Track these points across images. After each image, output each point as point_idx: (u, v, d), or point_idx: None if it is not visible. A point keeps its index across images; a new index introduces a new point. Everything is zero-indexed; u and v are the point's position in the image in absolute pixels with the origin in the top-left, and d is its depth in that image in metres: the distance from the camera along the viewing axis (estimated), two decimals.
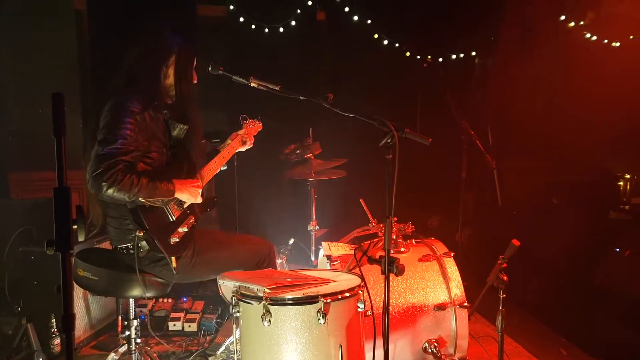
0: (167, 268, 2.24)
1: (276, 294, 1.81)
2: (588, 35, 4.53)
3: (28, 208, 3.43)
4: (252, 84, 2.09)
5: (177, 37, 2.34)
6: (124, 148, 2.05)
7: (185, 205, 2.32)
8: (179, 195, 2.23)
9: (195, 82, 2.40)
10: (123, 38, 3.96)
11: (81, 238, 1.24)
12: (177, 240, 2.22)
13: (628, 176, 4.59)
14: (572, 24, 4.50)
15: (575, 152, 4.42)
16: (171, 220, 2.24)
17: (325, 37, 4.61)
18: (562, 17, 4.50)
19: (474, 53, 4.81)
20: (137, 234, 2.13)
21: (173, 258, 2.19)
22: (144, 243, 2.17)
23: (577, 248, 3.85)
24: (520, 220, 4.40)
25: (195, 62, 2.38)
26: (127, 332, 2.35)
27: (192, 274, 2.34)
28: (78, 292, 2.94)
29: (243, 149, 2.73)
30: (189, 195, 2.27)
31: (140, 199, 2.07)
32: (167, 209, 2.23)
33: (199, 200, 2.33)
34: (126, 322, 2.35)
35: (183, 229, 2.26)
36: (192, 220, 2.34)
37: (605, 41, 4.53)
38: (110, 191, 1.99)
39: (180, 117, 2.32)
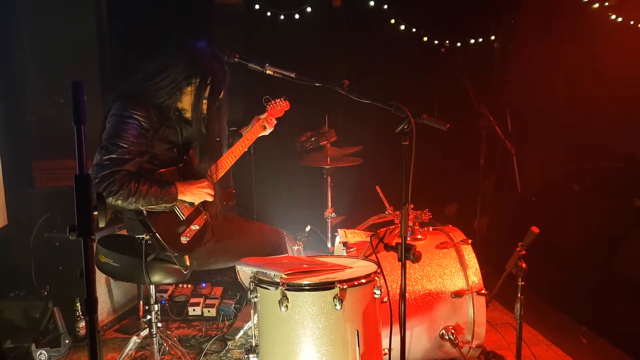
0: (181, 259, 2.26)
1: (293, 280, 1.82)
2: (613, 16, 4.38)
3: (52, 196, 3.51)
4: (268, 72, 2.09)
5: (215, 63, 2.24)
6: (121, 158, 2.03)
7: (196, 204, 2.30)
8: (182, 197, 2.19)
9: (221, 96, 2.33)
10: (141, 26, 4.01)
11: (102, 224, 1.26)
12: (188, 239, 2.22)
13: None
14: (597, 5, 4.36)
15: (598, 138, 4.31)
16: (181, 219, 2.23)
17: (341, 23, 4.57)
18: None
19: (493, 37, 4.70)
20: (143, 236, 2.14)
21: (186, 257, 2.20)
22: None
23: (599, 236, 3.78)
24: (540, 208, 4.33)
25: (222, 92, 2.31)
26: (149, 317, 2.40)
27: (210, 260, 2.37)
28: (100, 277, 3.01)
29: (265, 133, 2.66)
30: (193, 196, 2.24)
31: (140, 207, 2.07)
32: (176, 209, 2.22)
33: (209, 198, 2.28)
34: (147, 307, 2.40)
35: (195, 227, 2.26)
36: (205, 217, 2.32)
37: (632, 22, 4.38)
38: (113, 200, 2.02)
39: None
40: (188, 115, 2.28)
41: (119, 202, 2.03)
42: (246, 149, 2.56)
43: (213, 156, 2.37)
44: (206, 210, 2.35)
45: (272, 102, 2.69)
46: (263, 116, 2.66)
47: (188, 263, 2.22)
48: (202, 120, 2.28)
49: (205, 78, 2.21)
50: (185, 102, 2.26)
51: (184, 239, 2.21)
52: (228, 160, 2.48)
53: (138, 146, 2.09)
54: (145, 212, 2.12)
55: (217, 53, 2.25)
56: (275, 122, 2.68)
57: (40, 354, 2.68)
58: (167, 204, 2.16)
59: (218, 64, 2.25)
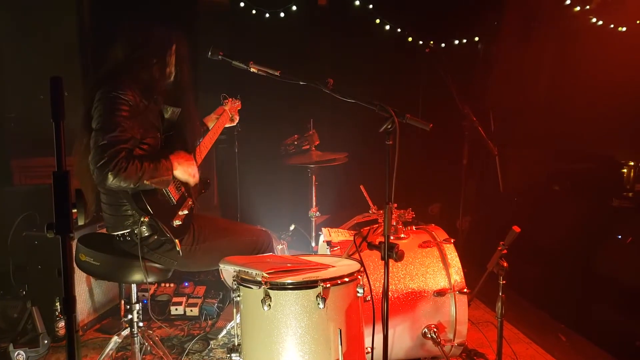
0: (166, 255, 2.26)
1: (275, 279, 1.82)
2: (594, 20, 4.47)
3: (31, 194, 3.46)
4: (252, 69, 2.08)
5: (175, 28, 2.33)
6: (123, 136, 2.04)
7: (182, 189, 2.34)
8: (177, 170, 2.20)
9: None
10: (124, 23, 3.96)
11: (81, 222, 1.25)
12: (180, 223, 2.24)
13: (632, 163, 4.55)
14: (578, 8, 4.44)
15: (579, 139, 4.39)
16: (172, 203, 2.26)
17: (327, 22, 4.58)
18: (568, 2, 4.44)
19: (477, 38, 4.76)
20: (142, 219, 2.14)
21: (177, 241, 2.21)
22: (142, 229, 2.18)
23: (579, 235, 3.85)
24: (522, 207, 4.39)
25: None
26: (130, 316, 2.37)
27: (192, 260, 2.35)
28: (81, 276, 2.97)
29: (232, 125, 2.82)
30: (184, 169, 2.24)
31: (145, 182, 2.07)
32: (167, 192, 2.24)
33: (191, 180, 2.31)
34: (128, 306, 2.38)
35: (183, 212, 2.29)
36: (190, 203, 2.36)
37: (612, 26, 4.47)
38: (115, 180, 1.98)
39: (173, 100, 2.33)
40: (171, 81, 2.34)
41: (128, 180, 2.00)
42: (215, 139, 2.67)
43: (193, 140, 2.43)
44: (190, 196, 2.38)
45: (228, 99, 2.84)
46: (227, 107, 2.76)
47: (179, 248, 2.21)
48: (181, 85, 2.36)
49: (172, 45, 2.30)
50: (169, 74, 2.33)
51: (176, 223, 2.22)
52: (203, 148, 2.55)
53: (131, 125, 2.10)
54: (142, 196, 2.13)
55: (175, 21, 2.32)
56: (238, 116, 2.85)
57: (18, 354, 2.63)
58: (166, 177, 2.14)
59: (178, 29, 2.33)
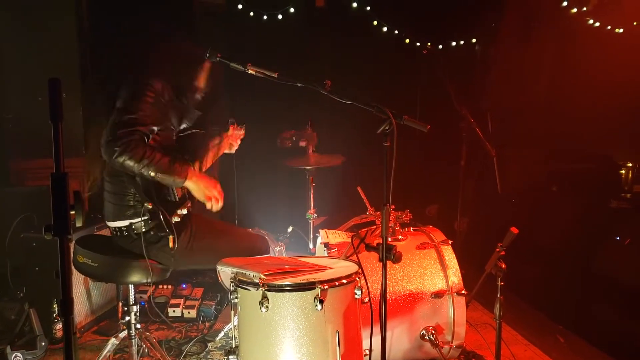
0: (163, 250, 2.26)
1: (272, 280, 1.82)
2: (591, 21, 4.48)
3: (29, 195, 3.45)
4: (250, 71, 2.08)
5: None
6: (142, 119, 2.09)
7: (185, 190, 2.35)
8: (188, 182, 2.23)
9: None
10: (122, 25, 3.96)
11: (79, 224, 1.24)
12: (178, 220, 2.27)
13: (630, 164, 4.56)
14: (575, 9, 4.45)
15: (577, 140, 4.40)
16: (174, 200, 2.29)
17: (324, 24, 4.58)
18: (565, 3, 4.45)
19: (474, 40, 4.77)
20: (144, 206, 2.17)
21: (171, 237, 2.22)
22: (138, 224, 2.20)
23: (577, 236, 3.85)
24: (520, 209, 4.39)
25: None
26: (127, 318, 2.37)
27: (189, 258, 2.36)
28: (79, 278, 2.97)
29: (230, 152, 2.79)
30: (197, 189, 2.27)
31: (151, 172, 2.10)
32: (172, 188, 2.28)
33: (208, 204, 2.33)
34: (126, 308, 2.38)
35: (182, 211, 2.30)
36: (189, 205, 2.37)
37: (609, 27, 4.48)
38: (121, 158, 2.02)
39: (197, 106, 2.42)
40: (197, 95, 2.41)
41: (132, 161, 2.04)
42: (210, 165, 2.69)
43: (202, 149, 2.52)
44: (190, 198, 2.39)
45: (232, 126, 2.81)
46: (229, 133, 2.75)
47: (172, 244, 2.21)
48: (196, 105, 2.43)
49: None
50: (196, 88, 2.41)
51: (175, 219, 2.25)
52: (207, 161, 2.60)
53: (152, 112, 2.16)
54: (150, 185, 2.17)
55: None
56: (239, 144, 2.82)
57: (16, 356, 2.62)
58: (176, 178, 2.17)
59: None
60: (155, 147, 2.17)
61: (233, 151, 2.81)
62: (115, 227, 2.29)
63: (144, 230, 2.22)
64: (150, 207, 2.18)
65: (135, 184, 2.19)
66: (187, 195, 2.37)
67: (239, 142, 2.80)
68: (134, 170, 2.10)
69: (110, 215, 2.29)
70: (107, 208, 2.31)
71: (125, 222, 2.24)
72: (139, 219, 2.21)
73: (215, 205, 2.30)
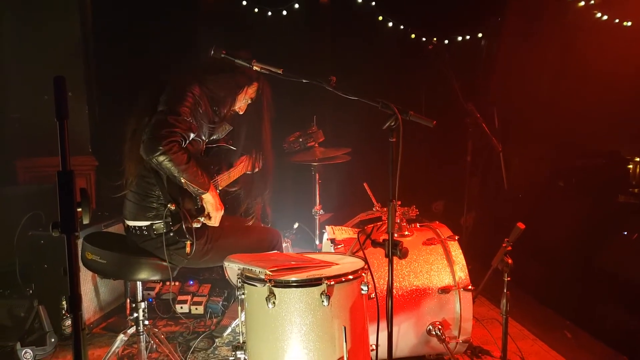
0: (178, 252, 2.27)
1: (278, 276, 1.82)
2: (598, 14, 4.43)
3: (37, 193, 3.47)
4: (255, 67, 2.08)
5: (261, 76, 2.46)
6: (184, 123, 2.13)
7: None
8: (206, 196, 2.27)
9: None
10: (126, 22, 3.97)
11: (86, 221, 1.25)
12: (198, 226, 2.28)
13: (638, 159, 4.52)
14: (582, 3, 4.41)
15: (584, 135, 4.37)
16: (196, 206, 2.30)
17: (329, 19, 4.56)
18: None
19: (480, 35, 4.73)
20: (169, 206, 2.18)
21: (188, 242, 2.23)
22: (158, 225, 2.21)
23: (584, 232, 3.83)
24: (526, 204, 4.37)
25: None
26: (135, 315, 2.39)
27: (203, 260, 2.38)
28: (87, 275, 2.99)
29: (249, 172, 2.79)
30: (209, 204, 2.31)
31: (182, 178, 2.13)
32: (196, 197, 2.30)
33: (212, 222, 2.36)
34: (134, 305, 2.39)
35: (202, 218, 2.32)
36: (206, 214, 2.37)
37: (617, 21, 4.43)
38: (162, 157, 2.05)
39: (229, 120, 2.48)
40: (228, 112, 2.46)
41: (172, 163, 2.07)
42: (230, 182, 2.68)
43: (225, 165, 2.55)
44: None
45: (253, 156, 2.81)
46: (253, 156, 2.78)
47: (188, 250, 2.24)
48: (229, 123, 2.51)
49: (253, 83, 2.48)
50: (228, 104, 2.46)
51: (196, 225, 2.27)
52: (223, 181, 2.60)
53: (192, 117, 2.21)
54: (178, 187, 2.20)
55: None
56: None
57: (26, 352, 2.64)
58: (199, 189, 2.21)
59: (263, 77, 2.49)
60: (193, 156, 2.20)
61: (253, 172, 2.81)
62: (134, 226, 2.30)
63: (164, 231, 2.22)
64: (173, 208, 2.18)
65: (161, 185, 2.21)
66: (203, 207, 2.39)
67: (260, 164, 2.81)
68: (168, 172, 2.12)
69: (130, 214, 2.30)
70: (128, 207, 2.32)
71: (146, 223, 2.25)
72: (160, 221, 2.22)
73: (210, 223, 2.34)
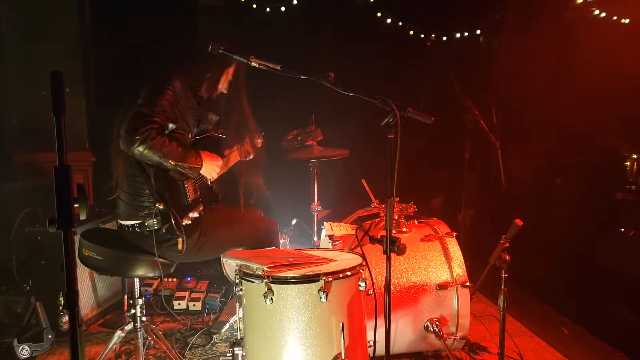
0: (172, 249, 2.27)
1: (276, 273, 1.82)
2: (597, 11, 4.43)
3: (34, 189, 3.46)
4: (253, 63, 2.07)
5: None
6: (162, 111, 2.14)
7: (199, 192, 2.37)
8: (204, 171, 2.31)
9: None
10: (124, 19, 3.95)
11: (83, 216, 1.25)
12: (189, 223, 2.27)
13: (635, 156, 4.53)
14: (580, 0, 4.41)
15: (582, 132, 4.36)
16: (187, 202, 2.29)
17: (328, 15, 4.55)
18: None
19: (478, 31, 4.73)
20: (156, 207, 2.19)
21: (180, 239, 2.22)
22: (150, 222, 2.21)
23: (581, 228, 3.84)
24: (524, 201, 4.38)
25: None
26: (133, 311, 2.38)
27: (198, 254, 2.38)
28: (84, 271, 2.98)
29: (246, 159, 2.76)
30: (210, 168, 2.35)
31: (170, 161, 2.12)
32: (185, 188, 2.28)
33: (213, 174, 2.41)
34: (132, 301, 2.39)
35: (194, 214, 2.31)
36: (201, 209, 2.37)
37: (615, 18, 4.43)
38: (141, 147, 2.05)
39: (214, 108, 2.48)
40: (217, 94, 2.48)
41: (153, 150, 2.08)
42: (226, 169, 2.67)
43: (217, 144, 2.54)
44: (202, 202, 2.40)
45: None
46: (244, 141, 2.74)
47: (180, 247, 2.23)
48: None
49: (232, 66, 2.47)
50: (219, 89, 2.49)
51: (185, 222, 2.26)
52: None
53: (172, 110, 2.21)
54: (164, 186, 2.21)
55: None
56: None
57: (23, 349, 2.64)
58: (193, 166, 2.22)
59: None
60: (174, 138, 2.20)
61: (248, 159, 2.76)
62: (127, 225, 2.30)
63: (156, 228, 2.23)
64: (161, 207, 2.18)
65: (149, 184, 2.20)
66: (201, 199, 2.39)
67: (254, 150, 2.77)
68: (153, 160, 2.11)
69: (123, 214, 2.30)
70: (121, 207, 2.32)
71: (138, 221, 2.26)
72: (152, 220, 2.23)
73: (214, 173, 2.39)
